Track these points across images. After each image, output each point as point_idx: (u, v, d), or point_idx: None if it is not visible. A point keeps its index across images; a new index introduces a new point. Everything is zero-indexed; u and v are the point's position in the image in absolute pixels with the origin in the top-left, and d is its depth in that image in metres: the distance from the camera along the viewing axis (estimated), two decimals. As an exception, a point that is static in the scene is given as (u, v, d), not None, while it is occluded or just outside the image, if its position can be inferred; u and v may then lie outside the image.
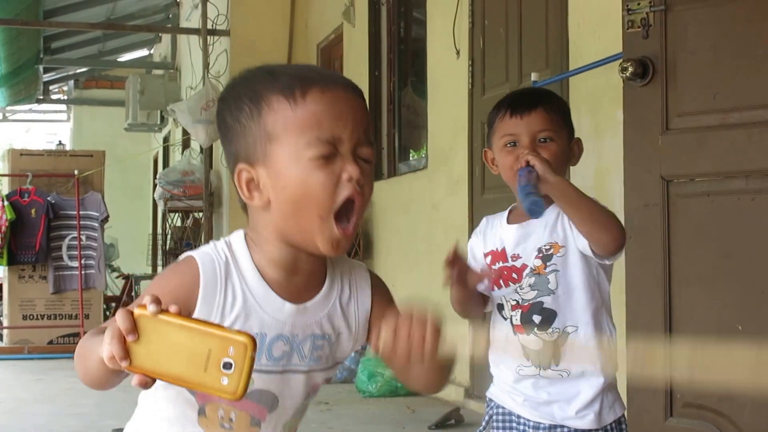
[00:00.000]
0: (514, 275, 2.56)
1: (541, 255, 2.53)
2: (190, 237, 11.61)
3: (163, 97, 13.17)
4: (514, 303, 2.55)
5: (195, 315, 1.69)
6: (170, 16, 15.56)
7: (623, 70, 4.08)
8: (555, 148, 2.54)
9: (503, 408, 2.62)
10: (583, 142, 5.07)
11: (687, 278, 3.98)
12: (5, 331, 10.95)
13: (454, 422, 5.84)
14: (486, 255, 2.64)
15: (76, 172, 10.67)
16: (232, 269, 1.76)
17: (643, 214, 4.09)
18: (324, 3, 10.02)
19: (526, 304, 2.54)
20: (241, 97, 1.75)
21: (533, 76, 5.25)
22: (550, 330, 2.52)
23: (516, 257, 2.56)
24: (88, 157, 11.24)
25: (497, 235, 2.64)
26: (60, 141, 17.67)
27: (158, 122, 15.45)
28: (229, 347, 1.42)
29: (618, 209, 4.51)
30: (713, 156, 3.90)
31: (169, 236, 12.00)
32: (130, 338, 1.42)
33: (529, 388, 2.55)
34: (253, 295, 1.75)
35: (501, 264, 2.59)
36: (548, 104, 2.59)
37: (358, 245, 8.33)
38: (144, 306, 1.44)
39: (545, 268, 2.53)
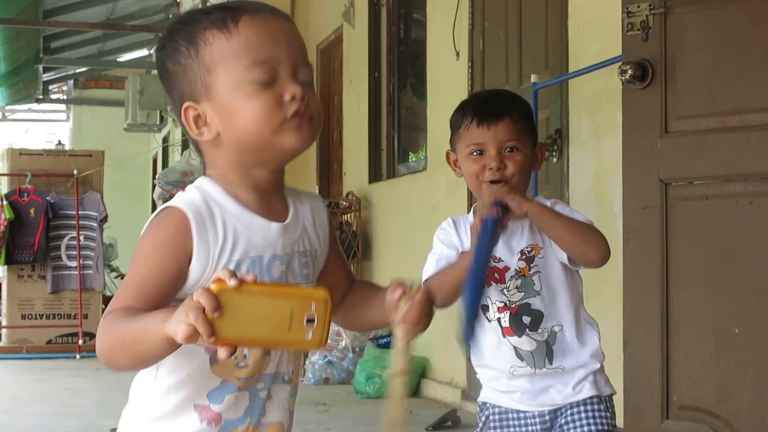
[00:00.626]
0: (496, 275, 2.58)
1: (524, 257, 2.57)
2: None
3: (163, 97, 13.11)
4: (500, 305, 2.57)
5: (194, 257, 1.73)
6: (170, 16, 15.54)
7: (623, 72, 4.08)
8: (520, 157, 2.57)
9: (499, 407, 2.64)
10: (583, 144, 5.11)
11: (684, 281, 3.99)
12: (4, 331, 10.95)
13: (451, 424, 5.84)
14: (462, 255, 2.64)
15: (75, 172, 10.67)
16: (212, 205, 1.78)
17: (642, 217, 4.10)
18: (324, 4, 10.02)
19: (513, 305, 2.57)
20: (177, 40, 1.80)
21: (533, 78, 5.25)
22: (539, 330, 2.56)
23: (497, 259, 2.57)
24: (87, 157, 11.24)
25: (469, 238, 2.64)
26: (59, 141, 17.68)
27: (158, 122, 15.45)
28: (310, 304, 1.50)
29: (617, 211, 4.53)
30: (712, 159, 3.91)
31: (168, 236, 11.99)
32: (216, 315, 1.46)
33: (525, 383, 2.59)
34: (240, 222, 1.79)
35: None
36: (515, 113, 2.61)
37: (357, 246, 8.33)
38: (222, 281, 1.47)
39: (529, 270, 2.57)
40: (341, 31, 9.39)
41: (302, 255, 1.87)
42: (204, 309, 1.45)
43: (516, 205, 2.47)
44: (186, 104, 1.79)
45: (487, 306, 2.59)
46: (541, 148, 2.70)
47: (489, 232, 2.42)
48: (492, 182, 2.55)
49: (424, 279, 2.62)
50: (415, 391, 7.01)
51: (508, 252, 2.58)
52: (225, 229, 1.76)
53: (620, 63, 4.15)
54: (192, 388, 1.79)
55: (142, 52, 18.78)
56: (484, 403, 2.69)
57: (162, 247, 1.73)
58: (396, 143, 8.34)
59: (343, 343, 7.60)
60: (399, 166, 8.25)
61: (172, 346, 1.55)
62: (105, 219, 10.84)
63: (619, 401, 4.30)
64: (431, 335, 7.05)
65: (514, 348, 2.57)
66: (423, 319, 1.81)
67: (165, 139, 16.88)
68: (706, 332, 3.93)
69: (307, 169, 10.39)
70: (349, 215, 8.60)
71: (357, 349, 7.52)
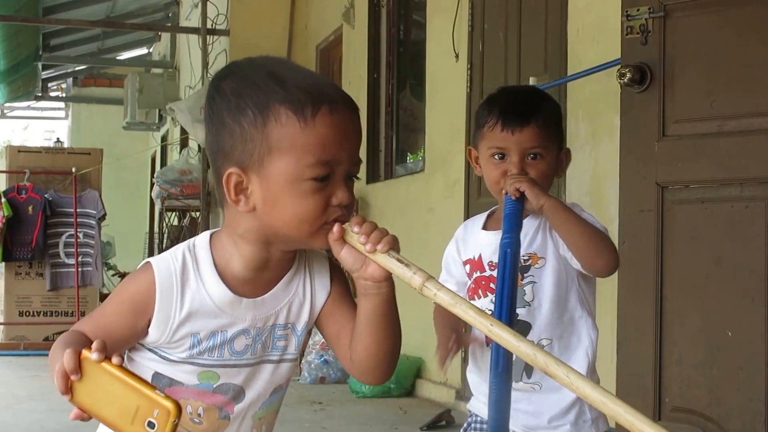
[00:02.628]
0: (492, 285, 2.50)
1: (519, 265, 2.46)
2: (187, 236, 11.59)
3: (162, 96, 13.18)
4: (489, 312, 2.42)
5: (153, 321, 1.76)
6: (170, 15, 15.57)
7: (621, 75, 4.10)
8: (543, 166, 2.50)
9: (480, 416, 2.58)
10: (581, 147, 5.11)
11: (679, 284, 4.00)
12: (1, 328, 10.95)
13: (445, 423, 5.86)
14: (465, 263, 2.61)
15: (73, 169, 10.67)
16: (191, 273, 1.77)
17: (638, 220, 4.11)
18: (324, 4, 10.04)
19: None
20: (246, 100, 1.71)
21: (532, 81, 5.26)
22: None
23: (493, 266, 2.50)
24: (85, 155, 11.25)
25: (474, 243, 2.61)
26: (58, 138, 17.71)
27: (156, 121, 15.46)
28: (154, 409, 1.50)
29: (613, 214, 4.54)
30: (709, 163, 3.92)
31: (165, 235, 12.01)
32: (73, 377, 1.52)
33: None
34: (210, 296, 1.77)
35: (478, 274, 2.55)
36: (541, 118, 2.51)
37: (354, 247, 8.34)
38: (89, 350, 1.53)
39: (522, 279, 2.47)
40: (341, 31, 9.41)
41: (279, 328, 1.85)
42: (64, 367, 1.52)
43: (534, 196, 2.40)
44: (232, 170, 1.71)
45: None
46: (567, 153, 2.61)
47: (510, 260, 2.32)
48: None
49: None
50: (409, 391, 7.03)
51: None
52: (192, 302, 1.76)
53: (619, 66, 4.16)
54: None
55: (142, 51, 18.82)
56: (469, 411, 2.65)
57: (125, 302, 1.78)
58: (394, 144, 8.35)
59: (339, 343, 7.60)
60: (397, 167, 8.27)
61: None
62: (103, 217, 10.83)
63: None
64: (426, 336, 7.08)
65: None
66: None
67: (164, 138, 16.88)
68: (699, 335, 3.95)
69: (305, 169, 10.41)
70: (346, 215, 8.61)
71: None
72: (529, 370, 2.47)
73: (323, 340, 7.50)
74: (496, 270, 2.44)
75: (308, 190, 1.68)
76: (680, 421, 3.97)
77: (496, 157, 2.51)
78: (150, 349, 1.80)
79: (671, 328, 4.02)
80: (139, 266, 1.81)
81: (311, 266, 1.89)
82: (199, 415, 1.80)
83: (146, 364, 1.81)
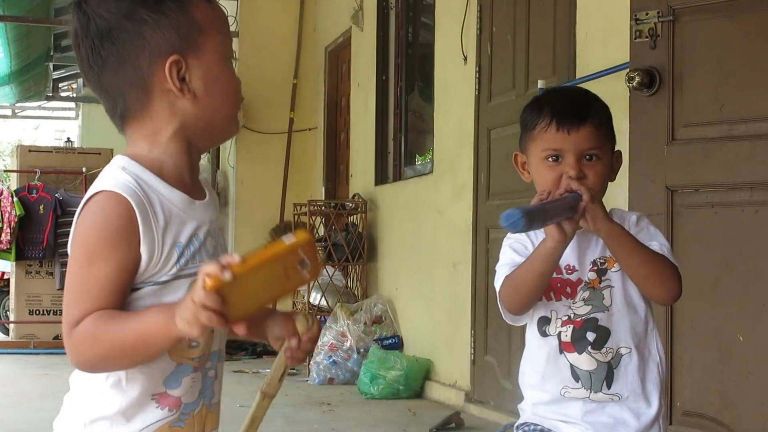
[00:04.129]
0: (568, 289, 2.36)
1: (596, 268, 2.35)
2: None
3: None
4: (565, 318, 2.34)
5: (141, 245, 1.68)
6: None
7: (630, 79, 4.10)
8: (601, 167, 2.34)
9: (541, 426, 2.39)
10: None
11: (689, 288, 3.96)
12: (12, 326, 10.99)
13: (455, 426, 5.86)
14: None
15: (84, 169, 10.71)
16: (147, 190, 1.73)
17: (647, 223, 4.12)
18: (333, 6, 10.04)
19: (578, 319, 2.33)
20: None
21: (540, 84, 5.27)
22: (603, 350, 2.31)
23: (571, 269, 2.35)
24: (96, 155, 11.29)
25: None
26: (68, 138, 17.67)
27: (165, 121, 15.47)
28: (298, 252, 1.55)
29: (622, 218, 4.54)
30: (718, 167, 3.93)
31: (174, 235, 12.02)
32: (221, 309, 1.50)
33: (576, 411, 2.33)
34: (174, 203, 1.76)
35: (554, 275, 2.33)
36: (597, 117, 2.37)
37: (363, 248, 8.35)
38: (215, 277, 1.49)
39: (600, 282, 2.33)
40: (350, 33, 9.41)
41: (221, 230, 1.90)
42: (212, 308, 1.50)
43: (593, 217, 2.23)
44: (174, 57, 1.73)
45: (549, 319, 2.36)
46: (619, 156, 2.44)
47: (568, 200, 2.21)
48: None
49: (498, 289, 2.37)
50: (418, 393, 7.03)
51: (580, 261, 2.36)
52: (164, 214, 1.73)
53: (627, 70, 4.17)
54: (148, 377, 1.74)
55: (152, 51, 18.83)
56: (527, 423, 2.42)
57: (117, 241, 1.67)
58: (403, 146, 8.36)
59: (347, 344, 7.62)
60: (405, 168, 8.27)
61: (179, 342, 1.63)
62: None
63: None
64: (435, 338, 7.09)
65: (571, 366, 2.33)
66: (308, 355, 1.85)
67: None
68: (709, 339, 3.95)
69: (313, 170, 10.43)
70: (354, 217, 8.63)
71: (362, 350, 7.54)
72: (609, 379, 2.32)
73: (333, 341, 7.53)
74: (573, 274, 2.34)
75: (232, 69, 1.83)
76: (691, 426, 3.98)
77: (550, 159, 2.34)
78: (138, 288, 1.72)
79: (682, 333, 4.02)
80: (90, 202, 1.70)
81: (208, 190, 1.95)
82: None
83: (136, 305, 1.71)
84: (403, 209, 7.93)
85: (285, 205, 10.26)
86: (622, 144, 4.45)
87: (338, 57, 10.25)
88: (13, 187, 11.00)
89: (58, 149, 12.32)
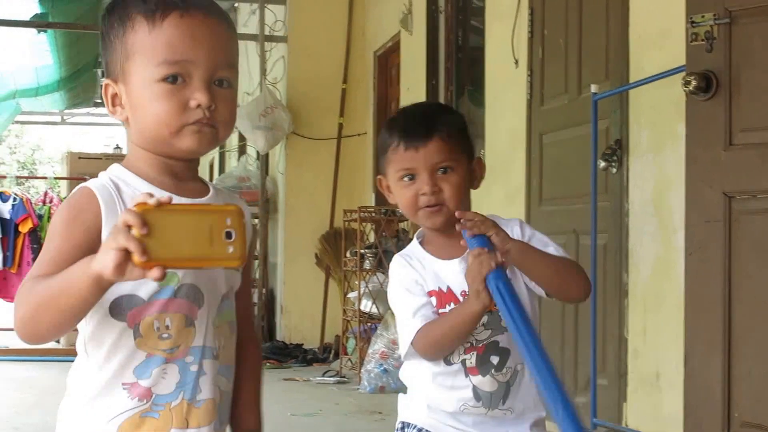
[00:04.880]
0: None
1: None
2: (245, 242, 11.64)
3: (220, 102, 13.22)
4: (467, 345, 2.35)
5: (103, 233, 1.74)
6: (229, 21, 15.66)
7: (686, 83, 4.04)
8: (456, 178, 2.37)
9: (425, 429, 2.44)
10: (642, 155, 5.03)
11: (747, 297, 3.93)
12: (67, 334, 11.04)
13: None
14: (429, 295, 2.40)
15: (133, 176, 10.76)
16: (121, 185, 1.82)
17: (705, 230, 4.04)
18: (382, 11, 10.02)
19: (480, 345, 2.36)
20: (114, 16, 1.83)
21: (593, 88, 5.20)
22: (504, 370, 2.36)
23: (465, 295, 2.33)
24: (145, 161, 11.35)
25: (433, 274, 2.41)
26: (117, 145, 17.79)
27: (215, 127, 15.53)
28: (225, 218, 1.54)
29: (677, 224, 4.48)
30: (777, 172, 3.85)
31: (224, 241, 12.04)
32: (143, 231, 1.48)
33: (470, 425, 2.39)
34: None
35: (452, 305, 2.36)
36: (444, 129, 2.38)
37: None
38: (143, 203, 1.50)
39: (496, 305, 2.23)
40: (399, 37, 9.38)
41: None
42: (131, 228, 1.49)
43: (500, 240, 2.24)
44: (106, 81, 1.84)
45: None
46: (479, 162, 2.48)
47: (504, 282, 2.16)
48: (428, 207, 2.35)
49: (409, 340, 2.35)
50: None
51: None
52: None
53: (683, 74, 4.10)
54: (117, 364, 1.79)
55: (200, 57, 18.93)
56: (409, 424, 2.48)
57: (72, 222, 1.75)
58: (453, 151, 8.29)
59: (398, 352, 7.58)
60: (456, 173, 8.21)
61: (100, 286, 1.57)
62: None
63: (679, 417, 4.26)
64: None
65: (473, 387, 2.37)
66: None
67: (221, 145, 16.95)
68: (768, 349, 3.87)
69: (363, 176, 10.40)
70: (405, 223, 8.59)
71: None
72: (505, 396, 2.37)
73: (384, 349, 7.48)
74: (465, 298, 2.33)
75: (161, 92, 1.77)
76: (750, 437, 3.91)
77: (405, 179, 2.38)
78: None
79: (740, 342, 3.94)
80: (66, 198, 1.83)
81: (233, 199, 1.98)
82: (167, 327, 1.80)
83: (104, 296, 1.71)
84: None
85: (335, 212, 10.25)
86: (679, 148, 4.40)
87: (387, 61, 10.22)
88: (63, 194, 11.06)
89: (107, 156, 12.41)
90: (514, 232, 2.40)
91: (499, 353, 2.36)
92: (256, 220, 10.98)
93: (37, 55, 12.35)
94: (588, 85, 5.38)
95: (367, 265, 8.49)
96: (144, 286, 1.76)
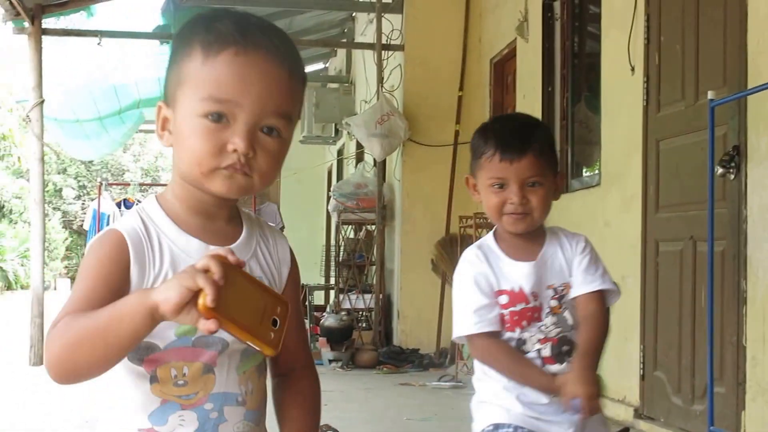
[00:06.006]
0: (535, 314, 2.59)
1: (557, 296, 2.61)
2: (363, 249, 11.74)
3: (338, 110, 13.35)
4: (541, 337, 2.59)
5: (132, 278, 1.72)
6: (345, 30, 15.79)
7: (805, 89, 4.00)
8: (542, 191, 2.59)
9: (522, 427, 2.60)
10: (761, 162, 4.99)
11: None
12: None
13: (624, 442, 5.79)
14: (499, 293, 2.61)
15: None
16: (151, 228, 1.77)
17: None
18: (498, 18, 10.04)
19: (554, 337, 2.59)
20: (180, 37, 1.78)
21: (710, 95, 5.16)
22: (570, 359, 2.58)
23: (536, 296, 2.60)
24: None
25: (506, 274, 2.63)
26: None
27: (332, 135, 15.68)
28: (277, 306, 1.56)
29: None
30: None
31: (342, 248, 12.16)
32: (221, 281, 1.47)
33: (556, 413, 2.59)
34: (177, 246, 1.77)
35: (523, 306, 2.60)
36: (537, 146, 2.59)
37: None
38: (222, 257, 1.51)
39: (560, 308, 2.60)
40: (515, 44, 9.40)
41: (271, 268, 1.89)
42: (212, 270, 1.48)
43: (592, 406, 2.45)
44: (160, 102, 1.79)
45: (524, 341, 2.59)
46: (561, 176, 2.72)
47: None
48: (514, 214, 2.58)
49: (464, 333, 2.61)
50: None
51: (540, 288, 2.61)
52: (161, 252, 1.75)
53: (803, 79, 4.06)
54: (132, 409, 1.77)
55: (318, 66, 19.12)
56: (519, 427, 2.61)
57: (104, 262, 1.71)
58: (570, 158, 8.28)
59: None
60: (572, 180, 8.19)
61: (153, 319, 1.52)
62: (282, 229, 11.06)
63: None
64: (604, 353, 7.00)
65: (554, 375, 2.56)
66: None
67: (339, 152, 17.11)
68: None
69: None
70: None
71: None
72: None
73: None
74: (536, 300, 2.59)
75: (201, 128, 1.70)
76: None
77: (495, 186, 2.60)
78: None
79: None
80: (95, 238, 1.77)
81: (272, 237, 1.95)
82: (183, 375, 1.76)
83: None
84: (570, 221, 7.81)
85: (450, 218, 10.29)
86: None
87: (503, 68, 10.24)
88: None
89: (228, 164, 12.60)
90: (573, 247, 2.67)
91: (570, 344, 2.59)
92: (373, 227, 11.09)
93: (160, 66, 12.64)
94: (705, 92, 5.34)
95: (483, 271, 8.48)
96: (161, 335, 1.72)
